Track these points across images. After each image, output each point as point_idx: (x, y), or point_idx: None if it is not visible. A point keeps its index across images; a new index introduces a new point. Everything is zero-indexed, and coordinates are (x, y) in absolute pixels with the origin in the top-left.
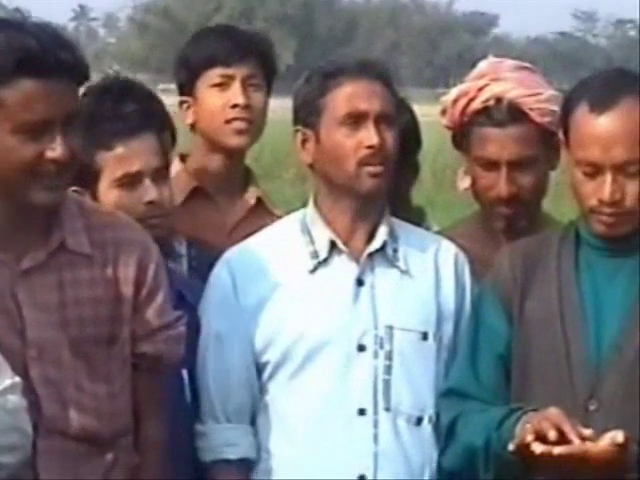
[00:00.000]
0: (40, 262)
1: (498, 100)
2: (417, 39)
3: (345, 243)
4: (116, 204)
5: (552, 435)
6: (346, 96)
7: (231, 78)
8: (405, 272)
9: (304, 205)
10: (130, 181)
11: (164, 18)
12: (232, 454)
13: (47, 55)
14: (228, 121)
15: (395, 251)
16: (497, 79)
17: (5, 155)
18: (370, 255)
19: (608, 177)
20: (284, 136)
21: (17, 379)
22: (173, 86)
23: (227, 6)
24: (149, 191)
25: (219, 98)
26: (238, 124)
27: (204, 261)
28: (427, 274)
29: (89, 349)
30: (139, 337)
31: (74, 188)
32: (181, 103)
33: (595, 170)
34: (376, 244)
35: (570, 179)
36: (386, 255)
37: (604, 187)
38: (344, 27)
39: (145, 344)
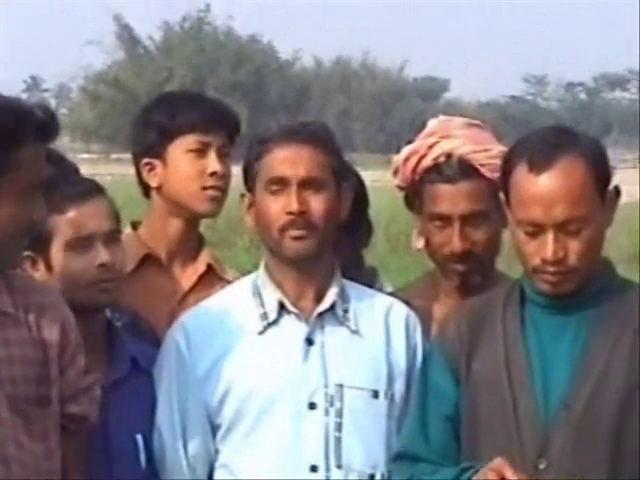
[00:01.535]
0: None
1: (448, 156)
2: (369, 105)
3: (294, 304)
4: (68, 267)
5: None
6: (272, 162)
7: (208, 146)
8: (355, 332)
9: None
10: (82, 244)
11: (115, 88)
12: None
13: (53, 119)
14: (205, 188)
15: (345, 311)
16: (447, 136)
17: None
18: (320, 315)
19: (550, 236)
20: (238, 203)
21: None
22: (126, 155)
23: (178, 74)
24: (101, 254)
25: (195, 165)
26: (213, 192)
27: (126, 323)
28: (377, 333)
29: (25, 407)
30: (66, 398)
31: (27, 253)
32: (145, 164)
33: (537, 229)
34: (325, 304)
35: (513, 239)
36: (336, 315)
37: (546, 246)
38: (295, 94)
39: (72, 405)
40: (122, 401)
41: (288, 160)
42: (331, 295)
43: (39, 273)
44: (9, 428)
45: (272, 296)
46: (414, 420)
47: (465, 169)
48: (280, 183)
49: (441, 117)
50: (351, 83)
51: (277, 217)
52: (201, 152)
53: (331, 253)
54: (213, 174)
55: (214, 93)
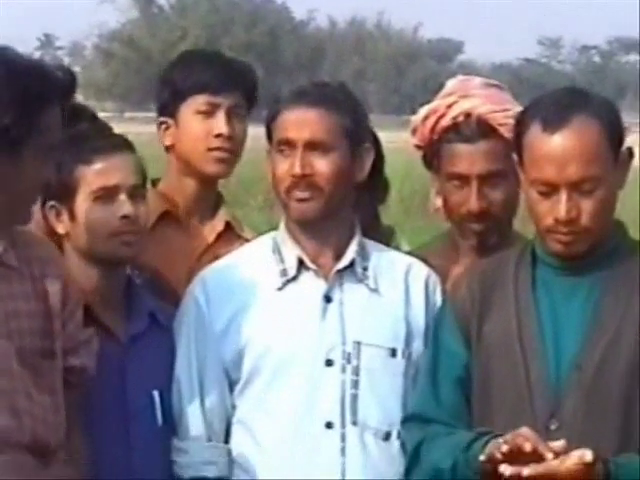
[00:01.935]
0: None
1: (467, 116)
2: (383, 66)
3: (313, 261)
4: (91, 217)
5: (528, 447)
6: (281, 123)
7: (217, 107)
8: (374, 290)
9: (272, 230)
10: (106, 195)
11: (129, 46)
12: (211, 473)
13: (73, 80)
14: (210, 149)
15: (365, 269)
16: (466, 96)
17: (37, 179)
18: (339, 272)
19: (563, 196)
20: (252, 163)
21: None
22: (139, 114)
23: (192, 34)
24: (124, 206)
25: (203, 125)
26: (219, 154)
27: (146, 281)
28: (397, 292)
29: (33, 360)
30: (66, 351)
31: (51, 203)
32: (160, 124)
33: (550, 189)
34: (344, 262)
35: (526, 199)
36: (355, 273)
37: (559, 206)
38: (310, 54)
39: (72, 358)
40: (140, 357)
41: (294, 122)
42: (350, 253)
43: (62, 224)
44: (19, 380)
45: (291, 253)
46: (425, 381)
47: (483, 129)
48: (287, 145)
49: (460, 77)
50: (366, 44)
51: (283, 178)
52: (210, 113)
53: (350, 211)
54: (219, 135)
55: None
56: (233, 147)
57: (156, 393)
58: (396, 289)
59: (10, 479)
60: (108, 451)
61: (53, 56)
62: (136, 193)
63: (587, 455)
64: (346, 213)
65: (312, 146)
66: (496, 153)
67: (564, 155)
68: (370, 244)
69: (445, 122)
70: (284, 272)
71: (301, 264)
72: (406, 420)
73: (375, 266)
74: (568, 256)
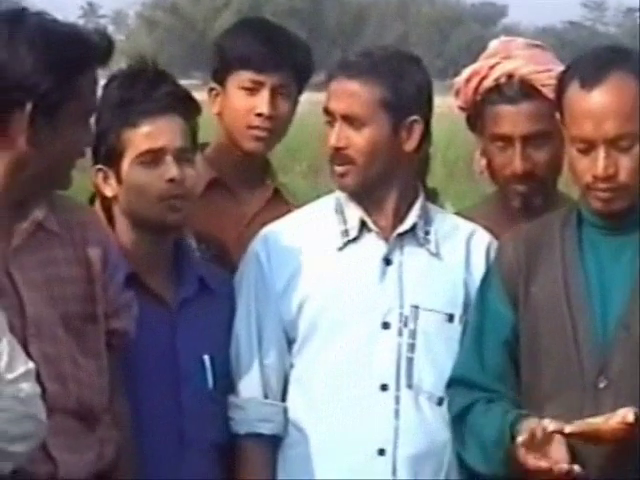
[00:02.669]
0: (26, 239)
1: (509, 77)
2: (426, 30)
3: (375, 223)
4: (137, 181)
5: (539, 433)
6: (327, 94)
7: (261, 84)
8: (435, 254)
9: (317, 198)
10: (153, 158)
11: (172, 14)
12: (266, 430)
13: (110, 45)
14: (250, 127)
15: (427, 233)
16: (508, 57)
17: (74, 145)
18: (400, 236)
19: (601, 152)
20: (297, 129)
21: (31, 365)
22: (183, 82)
23: (235, 1)
24: (171, 169)
25: (246, 102)
26: (258, 132)
27: (215, 256)
28: (457, 257)
29: (78, 325)
30: (108, 315)
31: (99, 166)
32: (210, 89)
33: (588, 146)
34: (406, 225)
35: (567, 158)
36: (416, 236)
37: (597, 163)
38: (353, 20)
39: (114, 321)
40: (190, 321)
41: (334, 94)
42: (412, 217)
43: (110, 188)
44: (64, 346)
45: (354, 214)
46: (470, 346)
47: (526, 89)
48: (330, 116)
49: (503, 38)
50: (409, 8)
51: (327, 148)
52: (254, 90)
53: (411, 175)
54: (260, 115)
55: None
56: (274, 127)
57: (207, 357)
58: (457, 255)
59: (56, 442)
60: (159, 415)
61: (96, 24)
62: (183, 156)
63: (629, 415)
64: (405, 177)
65: (348, 120)
66: (539, 114)
67: (601, 111)
68: (434, 209)
69: (487, 83)
70: (346, 232)
71: (363, 225)
72: (451, 383)
73: (437, 231)
74: (608, 213)
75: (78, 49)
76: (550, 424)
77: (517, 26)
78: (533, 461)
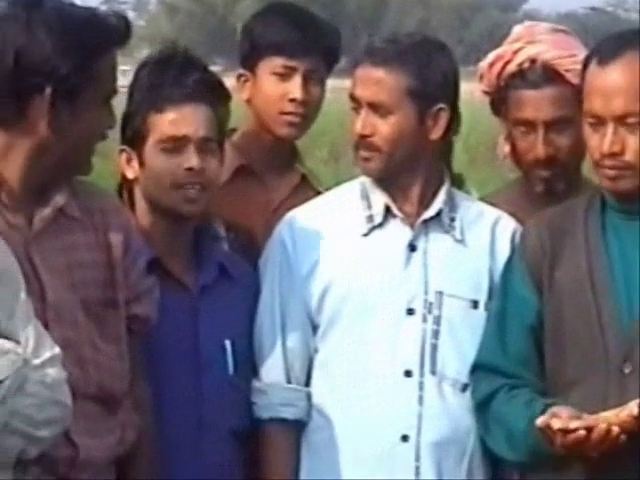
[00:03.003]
0: (48, 222)
1: (532, 62)
2: (447, 17)
3: (400, 209)
4: (157, 166)
5: (556, 424)
6: (353, 80)
7: (293, 70)
8: (460, 241)
9: (337, 184)
10: (175, 145)
11: (193, 0)
12: (289, 414)
13: (127, 27)
14: (283, 113)
15: (452, 219)
16: (532, 42)
17: (92, 129)
18: (425, 222)
19: (609, 129)
20: (319, 115)
21: (57, 350)
22: None
23: None
24: (191, 158)
25: (278, 87)
26: (292, 118)
27: (243, 243)
28: (482, 244)
29: (98, 310)
30: (129, 300)
31: (122, 147)
32: (239, 76)
33: (598, 122)
34: (431, 211)
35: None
36: (442, 223)
37: (604, 139)
38: (373, 6)
39: (135, 306)
40: (211, 307)
41: (360, 81)
42: (438, 203)
43: (132, 170)
44: (85, 331)
45: (379, 199)
46: (493, 331)
47: (549, 74)
48: (356, 102)
49: (527, 22)
50: None
51: (353, 135)
52: (286, 76)
53: (437, 162)
54: (293, 100)
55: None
56: (306, 112)
57: (228, 343)
58: (482, 241)
59: (77, 426)
60: (179, 401)
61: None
62: (206, 146)
63: (634, 409)
64: (431, 164)
65: (374, 107)
66: (562, 99)
67: (611, 88)
68: (459, 195)
69: (511, 68)
70: (371, 218)
71: (388, 211)
72: (474, 369)
73: (463, 217)
74: (616, 192)
75: (96, 32)
76: (556, 422)
77: (538, 12)
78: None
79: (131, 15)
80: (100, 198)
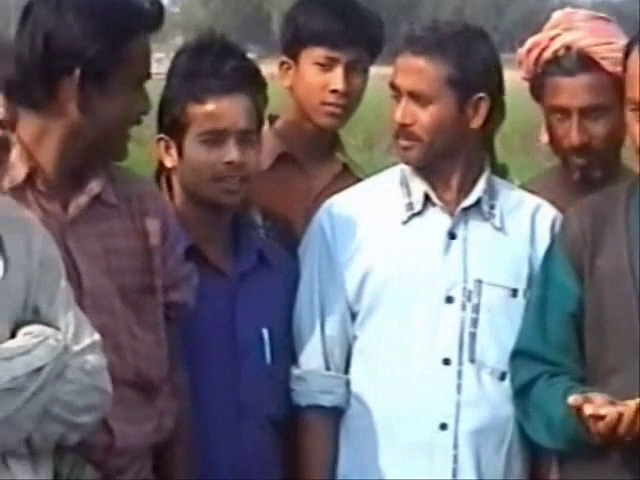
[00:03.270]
0: (84, 210)
1: (568, 49)
2: (482, 4)
3: (440, 197)
4: (196, 159)
5: (588, 410)
6: (394, 70)
7: (335, 61)
8: (499, 229)
9: (371, 172)
10: (214, 138)
11: None
12: (327, 402)
13: (160, 11)
14: (324, 103)
15: (492, 207)
16: (569, 29)
17: (123, 113)
18: (465, 210)
19: None
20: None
21: (97, 337)
22: None
23: None
24: (231, 151)
25: (320, 78)
26: (333, 109)
27: (280, 232)
28: (522, 232)
29: (135, 297)
30: (167, 287)
31: (161, 136)
32: (281, 63)
33: (638, 109)
34: (471, 199)
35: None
36: (481, 210)
37: None
38: None
39: (173, 293)
40: (249, 294)
41: (401, 70)
42: (477, 190)
43: (170, 159)
44: (122, 318)
45: (419, 187)
46: (533, 317)
47: (584, 62)
48: (396, 91)
49: (567, 9)
50: None
51: (392, 123)
52: (328, 66)
53: (478, 149)
54: (334, 91)
55: None
56: (347, 102)
57: (265, 331)
58: (522, 229)
59: (114, 413)
60: (217, 388)
61: None
62: (246, 138)
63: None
64: (471, 152)
65: (413, 96)
66: (598, 86)
67: None
68: (499, 183)
69: (547, 55)
70: (410, 206)
71: (427, 199)
72: (514, 356)
73: (502, 205)
74: None
75: (125, 14)
76: (588, 408)
77: None
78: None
79: (166, 2)
80: (137, 184)
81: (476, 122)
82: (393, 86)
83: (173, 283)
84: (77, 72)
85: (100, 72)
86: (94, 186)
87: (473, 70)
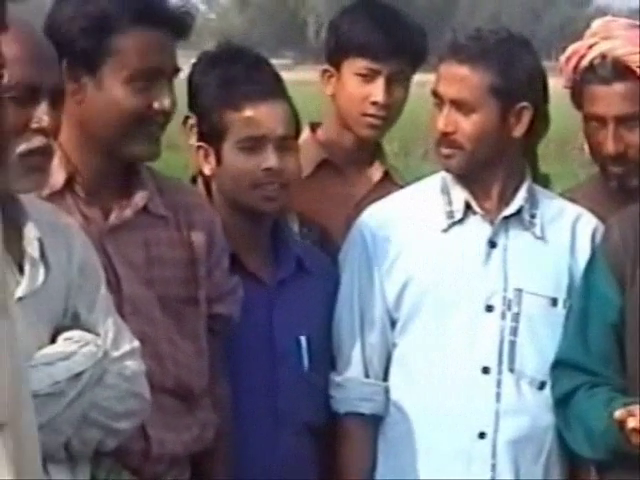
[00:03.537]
0: (126, 220)
1: (604, 57)
2: (519, 11)
3: (480, 205)
4: (234, 166)
5: (631, 423)
6: (436, 77)
7: (377, 72)
8: (540, 238)
9: (407, 178)
10: (253, 145)
11: None
12: (366, 409)
13: (162, 6)
14: (365, 115)
15: (533, 216)
16: (607, 37)
17: (115, 105)
18: (506, 218)
19: None
20: None
21: (136, 344)
22: (273, 61)
23: None
24: (269, 158)
25: (361, 89)
26: (373, 120)
27: (316, 239)
28: (563, 241)
29: (176, 307)
30: (212, 299)
31: (200, 144)
32: (324, 71)
33: None
34: (512, 208)
35: None
36: (522, 219)
37: None
38: (444, 0)
39: (218, 305)
40: (287, 302)
41: (444, 79)
42: (519, 199)
43: (209, 166)
44: (162, 327)
45: (460, 195)
46: (574, 328)
47: (620, 70)
48: (438, 99)
49: (607, 17)
50: None
51: (434, 131)
52: (369, 78)
53: (519, 158)
54: (375, 103)
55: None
56: (388, 115)
57: (303, 338)
58: (562, 238)
59: (152, 420)
60: (255, 395)
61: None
62: (284, 144)
63: None
64: (513, 160)
65: (456, 105)
66: (634, 95)
67: None
68: (540, 191)
69: (584, 63)
70: (450, 214)
71: (468, 207)
72: (555, 366)
73: (543, 214)
74: None
75: (106, 8)
76: (631, 421)
77: (610, 7)
78: None
79: (202, 8)
80: (185, 195)
81: (518, 131)
82: (435, 94)
83: (218, 296)
84: (64, 61)
85: (91, 65)
86: (139, 200)
87: (516, 79)
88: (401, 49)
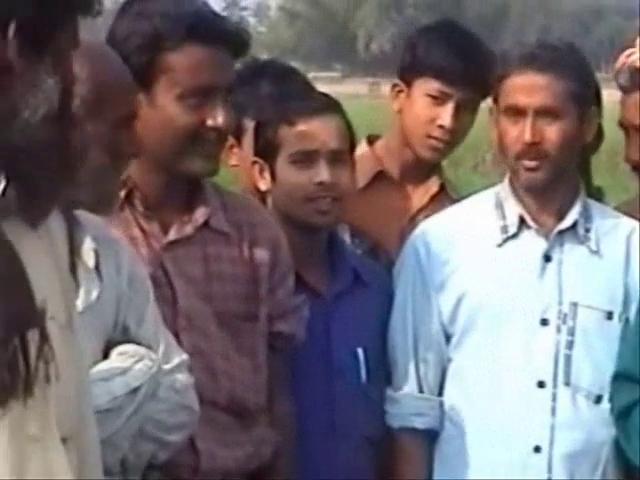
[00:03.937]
0: (186, 236)
1: (622, 65)
2: (568, 23)
3: (535, 220)
4: (288, 180)
5: None
6: (509, 88)
7: (448, 96)
8: (595, 252)
9: (457, 191)
10: (305, 159)
11: (313, 6)
12: (420, 424)
13: (216, 23)
14: (429, 137)
15: (587, 230)
16: None
17: (168, 122)
18: (560, 233)
19: None
20: None
21: (185, 356)
22: (323, 74)
23: None
24: (322, 172)
25: (430, 110)
26: (436, 143)
27: (367, 251)
28: (617, 255)
29: (234, 323)
30: (274, 317)
31: (255, 159)
32: (394, 85)
33: None
34: (567, 222)
35: None
36: (577, 234)
37: None
38: (494, 13)
39: (280, 323)
40: (344, 314)
41: (524, 89)
42: (573, 214)
43: (264, 182)
44: (217, 343)
45: (514, 210)
46: (634, 341)
47: (636, 79)
48: (516, 111)
49: None
50: (550, 1)
51: (513, 144)
52: (439, 100)
53: (575, 172)
54: (441, 127)
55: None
56: (453, 139)
57: (360, 350)
58: (617, 252)
59: (202, 434)
60: (312, 408)
61: (238, 17)
62: (337, 158)
63: None
64: (571, 174)
65: (542, 113)
66: None
67: None
68: (595, 205)
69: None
70: (505, 229)
71: (522, 222)
72: (614, 379)
73: (598, 228)
74: None
75: (156, 25)
76: None
77: None
78: None
79: (252, 21)
80: (249, 211)
81: (588, 137)
82: (513, 107)
83: (280, 313)
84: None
85: (142, 79)
86: (199, 216)
87: (589, 84)
88: (476, 77)
